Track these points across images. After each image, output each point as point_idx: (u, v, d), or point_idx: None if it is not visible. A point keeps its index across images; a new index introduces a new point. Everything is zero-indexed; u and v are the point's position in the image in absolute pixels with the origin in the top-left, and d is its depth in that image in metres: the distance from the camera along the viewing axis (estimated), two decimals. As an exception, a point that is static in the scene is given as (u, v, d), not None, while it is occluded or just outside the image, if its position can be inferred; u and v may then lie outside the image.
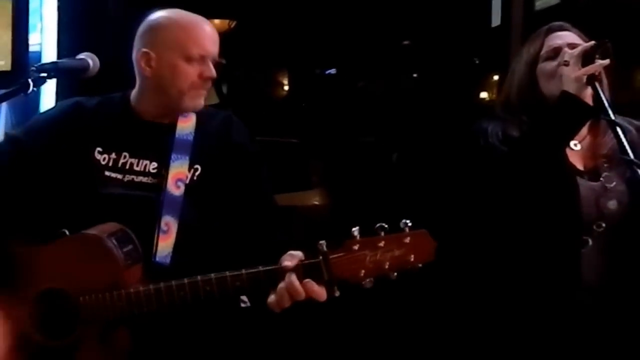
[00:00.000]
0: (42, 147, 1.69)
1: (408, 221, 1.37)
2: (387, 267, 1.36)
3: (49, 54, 3.01)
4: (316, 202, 5.10)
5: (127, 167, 1.68)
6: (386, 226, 1.36)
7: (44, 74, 1.54)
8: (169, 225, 1.62)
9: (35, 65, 1.58)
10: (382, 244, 1.36)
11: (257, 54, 7.83)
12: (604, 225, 1.70)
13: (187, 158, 1.68)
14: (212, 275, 1.45)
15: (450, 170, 1.94)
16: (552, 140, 1.67)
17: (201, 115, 1.75)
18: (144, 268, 1.56)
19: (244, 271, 1.44)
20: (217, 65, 1.69)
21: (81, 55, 1.64)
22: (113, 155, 1.68)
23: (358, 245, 1.36)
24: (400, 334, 4.12)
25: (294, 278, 1.41)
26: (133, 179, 1.67)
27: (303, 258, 1.43)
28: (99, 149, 1.69)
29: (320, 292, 1.41)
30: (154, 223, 1.61)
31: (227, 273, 1.45)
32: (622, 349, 1.70)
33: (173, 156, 1.67)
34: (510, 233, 1.76)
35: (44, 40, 3.06)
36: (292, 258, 1.44)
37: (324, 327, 3.85)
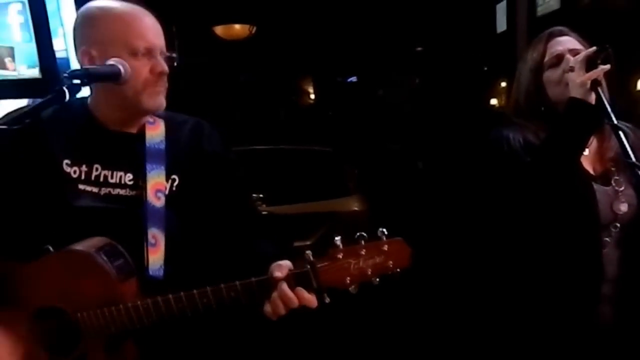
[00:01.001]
0: (5, 163, 1.59)
1: (384, 230, 1.44)
2: (369, 273, 1.43)
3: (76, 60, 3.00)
4: (356, 208, 5.35)
5: (102, 179, 1.61)
6: (365, 235, 1.43)
7: (77, 81, 1.46)
8: (156, 237, 1.58)
9: (67, 72, 1.49)
10: (363, 251, 1.42)
11: (279, 61, 7.91)
12: (618, 225, 1.80)
13: (163, 168, 1.62)
14: (208, 288, 1.46)
15: (476, 177, 2.00)
16: (569, 147, 1.72)
17: (170, 123, 1.68)
18: (139, 282, 1.53)
19: (237, 282, 1.46)
20: (167, 59, 1.59)
21: (111, 61, 1.53)
22: (84, 168, 1.61)
23: (342, 253, 1.43)
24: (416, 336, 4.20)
25: (285, 287, 1.44)
26: (110, 191, 1.61)
27: (292, 267, 1.48)
28: (67, 161, 1.61)
29: (311, 299, 1.45)
30: (138, 236, 1.57)
31: (222, 285, 1.46)
32: None
33: (148, 166, 1.61)
34: (534, 236, 1.83)
35: (69, 45, 3.03)
36: (281, 268, 1.46)
37: (320, 333, 3.94)
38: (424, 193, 6.34)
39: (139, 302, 1.48)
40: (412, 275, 1.51)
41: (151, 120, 1.67)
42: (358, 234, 1.43)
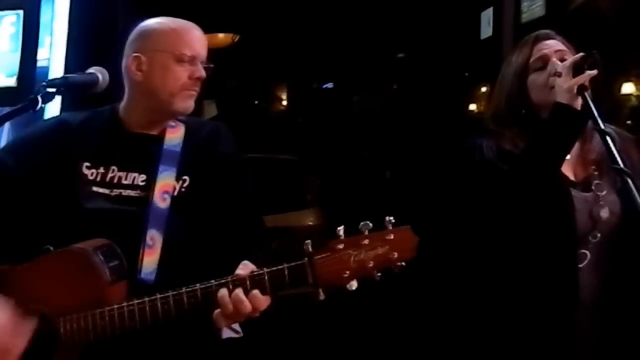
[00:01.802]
0: (26, 166, 1.66)
1: (392, 218, 1.34)
2: (370, 266, 1.32)
3: (57, 69, 3.01)
4: (311, 222, 5.03)
5: (115, 181, 1.65)
6: (370, 224, 1.34)
7: (53, 90, 1.52)
8: (154, 239, 1.59)
9: (45, 81, 1.56)
10: (366, 242, 1.33)
11: (257, 68, 7.84)
12: (598, 235, 1.72)
13: (174, 169, 1.65)
14: (198, 285, 1.43)
15: (446, 186, 1.97)
16: (553, 153, 1.69)
17: (190, 126, 1.74)
18: (128, 284, 1.52)
19: (230, 279, 1.42)
20: (206, 69, 1.70)
21: (90, 70, 1.61)
22: (101, 170, 1.66)
23: (342, 244, 1.33)
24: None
25: (239, 291, 1.39)
26: (121, 192, 1.65)
27: (255, 270, 1.42)
28: (86, 164, 1.67)
29: (265, 302, 1.40)
30: (139, 238, 1.58)
31: (213, 282, 1.42)
32: None
33: (160, 167, 1.65)
34: (505, 249, 1.77)
35: (53, 55, 3.07)
36: (245, 267, 1.44)
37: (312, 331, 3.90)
38: (388, 203, 6.21)
39: (124, 304, 1.46)
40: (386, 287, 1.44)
41: (173, 124, 1.73)
42: (362, 222, 1.34)
